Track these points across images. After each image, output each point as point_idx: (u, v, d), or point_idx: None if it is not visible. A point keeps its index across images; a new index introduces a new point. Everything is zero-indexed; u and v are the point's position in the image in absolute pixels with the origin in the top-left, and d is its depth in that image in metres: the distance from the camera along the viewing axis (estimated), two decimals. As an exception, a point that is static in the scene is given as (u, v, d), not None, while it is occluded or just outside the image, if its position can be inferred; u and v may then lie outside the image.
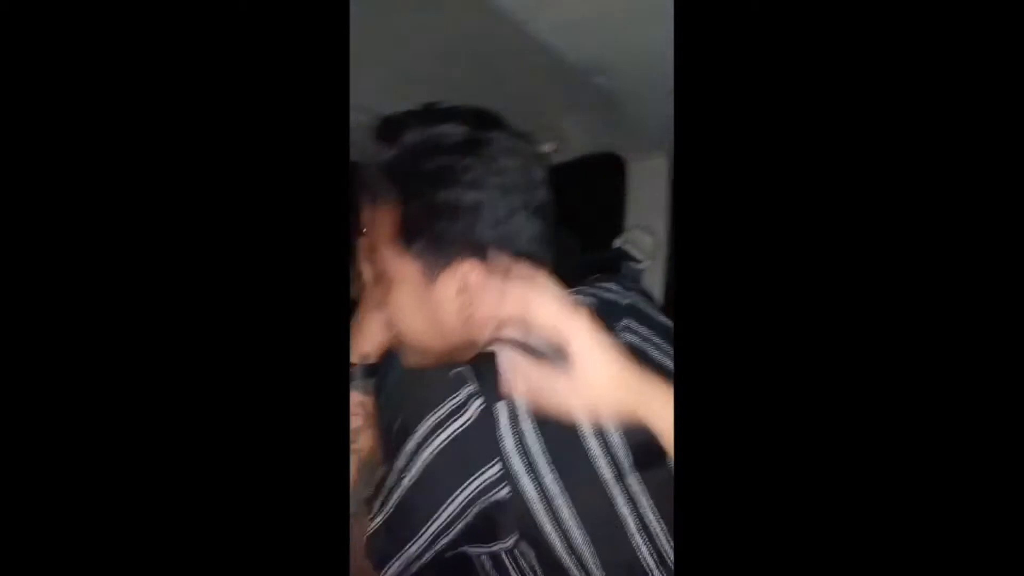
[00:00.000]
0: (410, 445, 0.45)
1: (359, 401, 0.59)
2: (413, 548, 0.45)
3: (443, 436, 0.44)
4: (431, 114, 0.51)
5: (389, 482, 0.46)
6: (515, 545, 0.46)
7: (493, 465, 0.43)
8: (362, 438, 0.58)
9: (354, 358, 0.60)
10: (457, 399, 0.44)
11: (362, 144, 0.81)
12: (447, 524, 0.44)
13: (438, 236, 0.49)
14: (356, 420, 0.58)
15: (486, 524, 0.45)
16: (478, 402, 0.44)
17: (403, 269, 0.50)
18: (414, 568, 0.45)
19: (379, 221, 0.51)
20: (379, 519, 0.46)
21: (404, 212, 0.50)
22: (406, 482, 0.45)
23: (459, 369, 0.46)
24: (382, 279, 0.53)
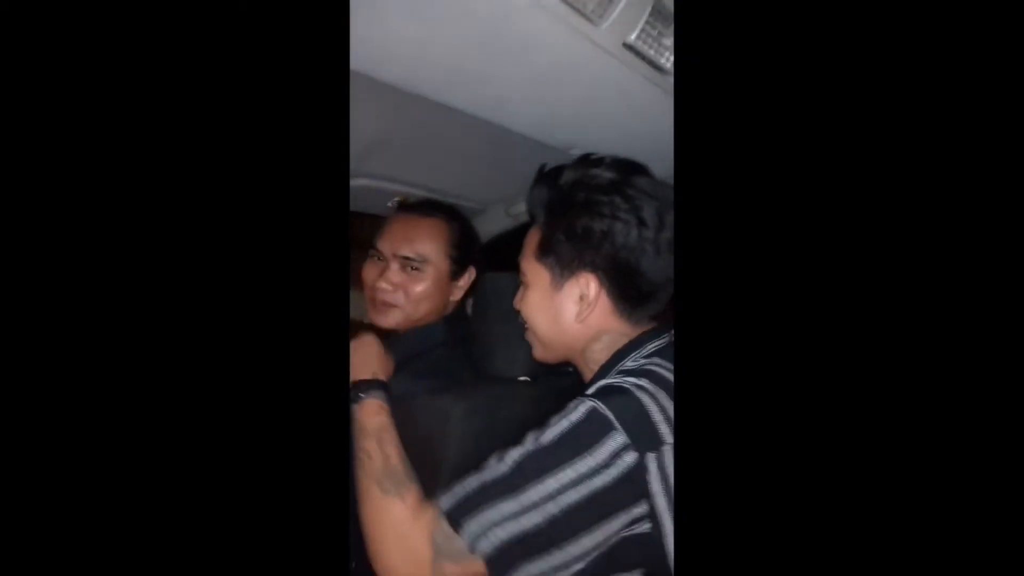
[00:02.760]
0: (551, 485, 0.46)
1: (378, 406, 0.63)
2: (543, 565, 0.45)
3: (596, 482, 0.45)
4: (586, 162, 0.62)
5: (515, 499, 0.46)
6: None
7: (639, 505, 0.46)
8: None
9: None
10: (607, 448, 0.46)
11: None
12: (583, 553, 0.46)
13: (568, 252, 0.60)
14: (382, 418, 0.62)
15: (620, 553, 0.47)
16: (630, 458, 0.46)
17: (537, 275, 0.62)
18: (505, 526, 0.46)
19: (530, 236, 0.65)
20: (506, 528, 0.46)
21: (546, 231, 0.62)
22: (552, 508, 0.45)
23: (592, 405, 0.49)
24: (524, 282, 0.65)
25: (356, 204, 0.97)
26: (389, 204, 0.97)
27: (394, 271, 0.81)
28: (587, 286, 0.60)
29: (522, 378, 0.75)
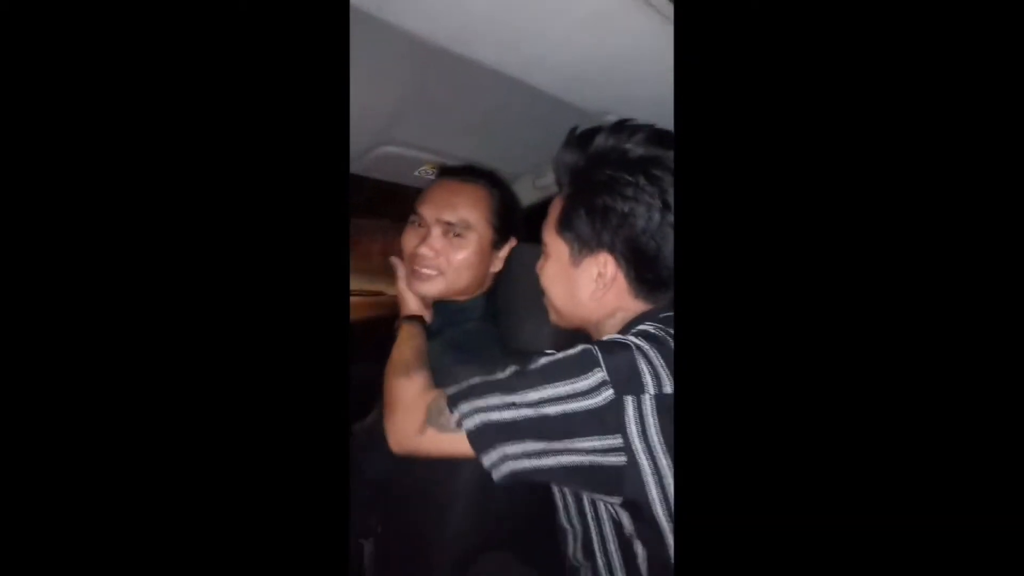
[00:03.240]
0: (539, 395, 0.52)
1: (409, 330, 0.75)
2: (517, 448, 0.52)
3: (572, 405, 0.51)
4: (619, 129, 0.60)
5: (503, 398, 0.53)
6: (618, 504, 0.52)
7: (613, 437, 0.50)
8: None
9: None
10: (588, 381, 0.52)
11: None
12: (554, 451, 0.51)
13: (588, 229, 0.60)
14: (416, 339, 0.73)
15: (596, 473, 0.51)
16: (608, 392, 0.51)
17: (557, 247, 0.63)
18: (508, 463, 0.53)
19: (554, 205, 0.65)
20: (490, 415, 0.53)
21: (568, 203, 0.62)
22: (529, 412, 0.52)
23: (589, 347, 0.54)
24: (544, 251, 0.66)
25: (382, 172, 0.96)
26: (416, 173, 0.95)
27: (436, 237, 0.79)
28: (604, 266, 0.61)
29: (547, 352, 0.74)
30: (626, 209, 0.58)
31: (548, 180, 1.02)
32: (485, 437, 0.54)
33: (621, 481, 0.50)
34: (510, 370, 0.58)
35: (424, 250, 0.78)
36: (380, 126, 0.79)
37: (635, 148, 0.59)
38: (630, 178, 0.58)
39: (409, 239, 0.82)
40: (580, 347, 0.55)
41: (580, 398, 0.52)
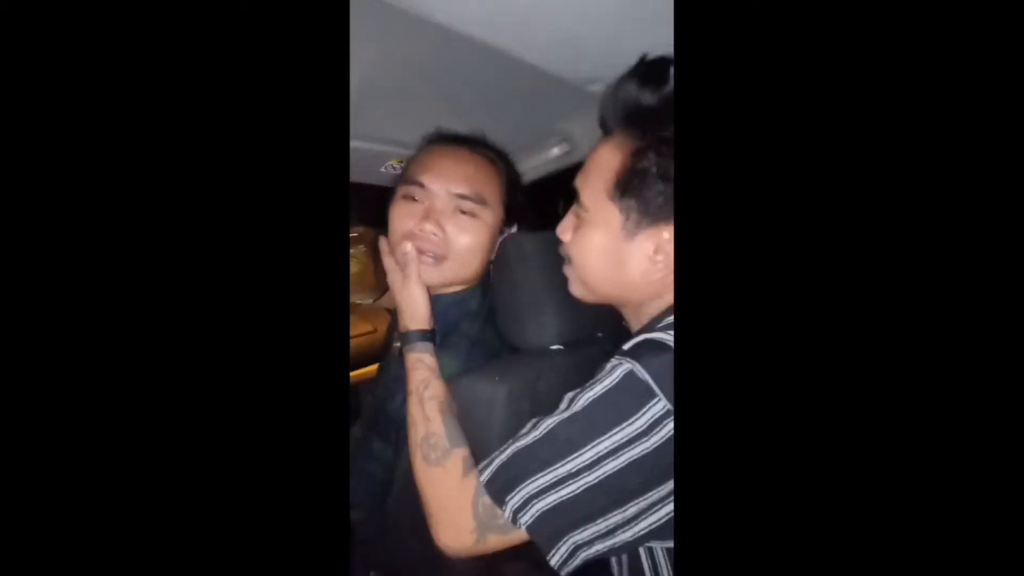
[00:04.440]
0: (595, 452, 0.43)
1: (417, 358, 0.59)
2: (588, 532, 0.44)
3: (634, 452, 0.42)
4: None
5: (553, 471, 0.44)
6: None
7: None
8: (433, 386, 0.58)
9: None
10: (646, 417, 0.42)
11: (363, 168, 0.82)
12: (630, 520, 0.43)
13: (657, 196, 0.48)
14: (423, 373, 0.59)
15: (670, 526, 0.44)
16: (669, 425, 0.42)
17: (606, 215, 0.51)
18: (580, 554, 0.44)
19: (602, 158, 0.51)
20: (546, 500, 0.44)
21: (632, 161, 0.49)
22: (589, 479, 0.43)
23: (628, 367, 0.44)
24: (582, 215, 0.53)
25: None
26: (383, 169, 0.86)
27: (443, 213, 0.63)
28: (668, 242, 0.49)
29: (554, 347, 0.68)
30: None
31: (532, 163, 0.95)
32: (549, 528, 0.44)
33: None
34: (544, 427, 0.46)
35: (429, 226, 0.63)
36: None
37: None
38: None
39: (403, 215, 0.65)
40: (618, 370, 0.45)
41: (642, 440, 0.42)
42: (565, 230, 0.56)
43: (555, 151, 0.94)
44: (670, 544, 0.46)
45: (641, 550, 0.48)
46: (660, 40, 0.48)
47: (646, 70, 0.49)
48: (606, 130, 0.53)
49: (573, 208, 0.55)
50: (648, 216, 0.50)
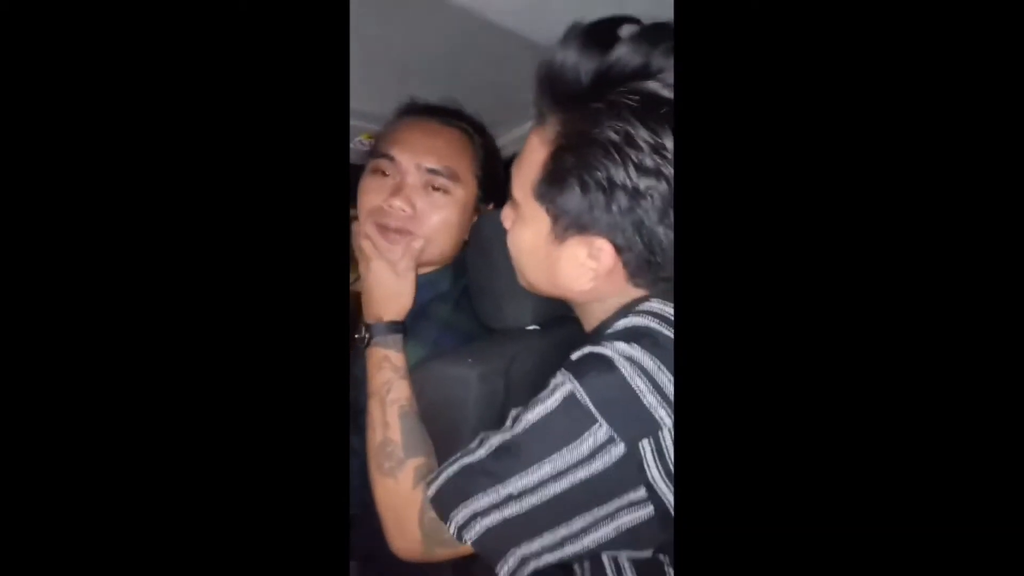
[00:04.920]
0: (538, 475, 0.42)
1: (383, 355, 0.56)
2: (535, 546, 0.43)
3: (580, 475, 0.41)
4: (656, 34, 0.40)
5: (496, 491, 0.43)
6: (653, 555, 0.44)
7: (635, 491, 0.40)
8: (395, 388, 0.55)
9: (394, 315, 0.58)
10: (589, 442, 0.41)
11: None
12: (576, 533, 0.42)
13: (583, 207, 0.42)
14: (387, 373, 0.55)
15: (626, 536, 0.42)
16: (618, 449, 0.40)
17: (534, 214, 0.46)
18: (529, 564, 0.43)
19: (531, 150, 0.46)
20: (491, 518, 0.43)
21: (551, 161, 0.43)
22: (533, 500, 0.42)
23: (571, 389, 0.42)
24: (515, 209, 0.49)
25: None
26: (351, 146, 0.82)
27: (414, 188, 0.60)
28: (599, 251, 0.45)
29: (530, 327, 0.66)
30: (643, 185, 0.40)
31: (528, 127, 0.90)
32: (494, 544, 0.44)
33: (652, 532, 0.41)
34: (488, 445, 0.45)
35: (398, 202, 0.59)
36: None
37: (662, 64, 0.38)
38: (654, 139, 0.39)
39: (371, 190, 0.61)
40: (559, 391, 0.42)
41: (587, 464, 0.41)
42: (505, 219, 0.52)
43: (530, 124, 0.91)
44: (635, 554, 0.45)
45: (604, 557, 0.47)
46: (655, 5, 0.42)
47: (579, 38, 0.41)
48: (539, 113, 0.46)
49: (509, 199, 0.51)
50: (576, 225, 0.44)
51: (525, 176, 0.47)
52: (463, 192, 0.63)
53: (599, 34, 0.41)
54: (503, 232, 0.61)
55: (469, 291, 0.67)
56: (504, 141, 0.91)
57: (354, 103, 0.72)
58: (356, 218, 0.64)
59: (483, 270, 0.64)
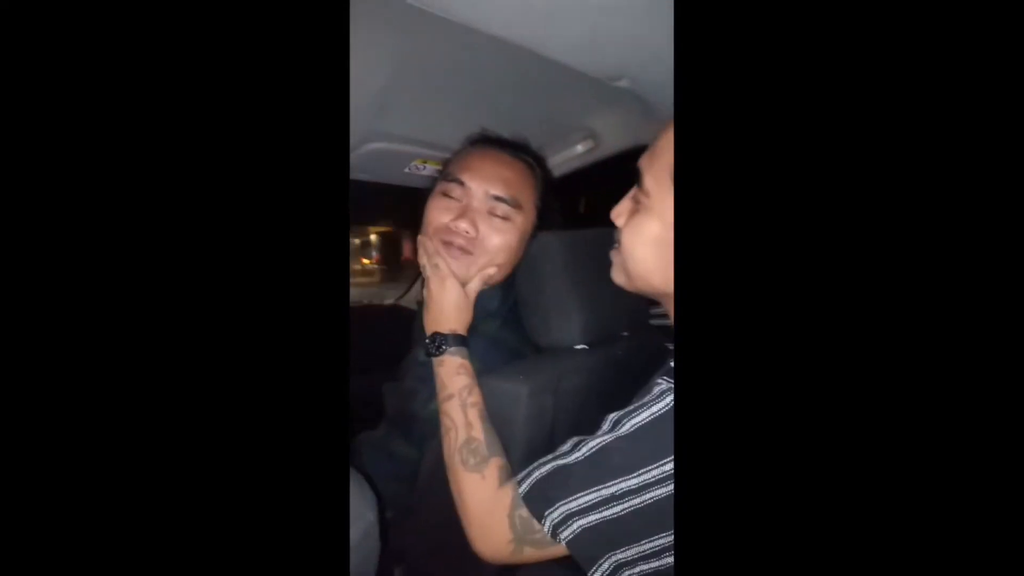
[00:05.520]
0: (642, 479, 0.42)
1: (460, 363, 0.59)
2: (631, 552, 0.42)
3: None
4: None
5: (596, 492, 0.43)
6: None
7: None
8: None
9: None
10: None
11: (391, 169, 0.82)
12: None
13: None
14: (465, 379, 0.58)
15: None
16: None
17: (664, 202, 0.46)
18: (623, 573, 0.43)
19: (666, 141, 0.47)
20: (589, 519, 0.43)
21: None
22: (635, 503, 0.42)
23: (662, 382, 0.43)
24: (641, 200, 0.49)
25: (366, 172, 0.87)
26: (407, 169, 0.87)
27: (479, 212, 0.64)
28: None
29: (579, 346, 0.67)
30: None
31: (575, 151, 0.93)
32: (589, 546, 0.43)
33: None
34: (586, 448, 0.45)
35: (464, 225, 0.63)
36: (362, 118, 0.70)
37: None
38: None
39: (439, 209, 0.65)
40: (668, 396, 0.42)
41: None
42: (619, 214, 0.52)
43: (579, 148, 0.93)
44: None
45: None
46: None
47: None
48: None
49: (632, 192, 0.52)
50: None
51: (662, 165, 0.47)
52: (523, 220, 0.67)
53: None
54: (553, 252, 0.63)
55: (517, 309, 0.70)
56: (553, 163, 0.94)
57: (412, 131, 0.78)
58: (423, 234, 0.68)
59: (534, 289, 0.66)
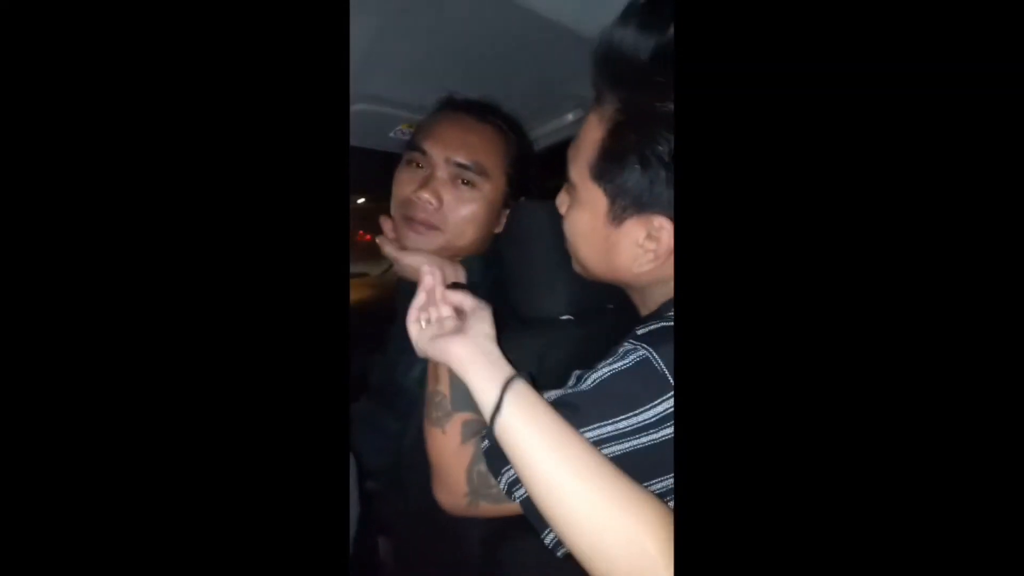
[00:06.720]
0: (596, 435, 0.41)
1: None
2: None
3: (635, 443, 0.40)
4: None
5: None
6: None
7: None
8: None
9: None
10: (656, 411, 0.40)
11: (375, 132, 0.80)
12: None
13: (640, 185, 0.42)
14: None
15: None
16: (667, 405, 0.39)
17: (591, 196, 0.46)
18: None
19: (588, 131, 0.45)
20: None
21: (609, 140, 0.43)
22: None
23: (645, 353, 0.41)
24: (571, 193, 0.49)
25: (352, 137, 0.84)
26: (392, 134, 0.84)
27: (442, 181, 0.62)
28: (659, 231, 0.44)
29: (565, 317, 0.66)
30: None
31: (545, 130, 0.91)
32: None
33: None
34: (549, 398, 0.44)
35: (425, 195, 0.62)
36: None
37: None
38: None
39: (404, 181, 0.64)
40: (632, 355, 0.41)
41: (649, 432, 0.39)
42: (560, 204, 0.52)
43: (570, 116, 0.91)
44: None
45: None
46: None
47: (637, 14, 0.41)
48: (597, 93, 0.46)
49: (565, 183, 0.51)
50: (635, 204, 0.44)
51: (583, 157, 0.47)
52: (491, 187, 0.65)
53: (656, 11, 0.41)
54: (539, 222, 0.62)
55: (501, 281, 0.69)
56: (542, 132, 0.92)
57: (398, 94, 0.74)
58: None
59: (518, 259, 0.65)
